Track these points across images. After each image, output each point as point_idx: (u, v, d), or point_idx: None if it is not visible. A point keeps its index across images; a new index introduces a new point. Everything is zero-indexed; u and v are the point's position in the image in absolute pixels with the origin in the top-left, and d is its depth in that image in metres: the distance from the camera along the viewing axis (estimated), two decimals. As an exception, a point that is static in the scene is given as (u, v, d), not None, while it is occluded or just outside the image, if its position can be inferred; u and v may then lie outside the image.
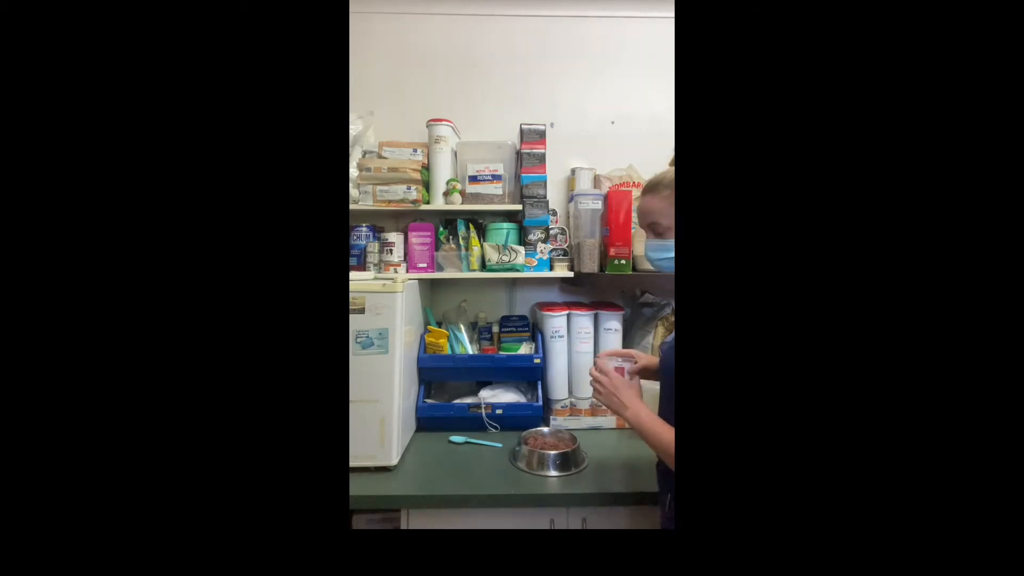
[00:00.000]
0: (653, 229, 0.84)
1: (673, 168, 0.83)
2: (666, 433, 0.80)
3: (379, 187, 1.35)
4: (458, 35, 1.57)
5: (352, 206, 1.35)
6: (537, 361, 1.32)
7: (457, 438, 1.24)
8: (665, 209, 0.81)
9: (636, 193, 1.45)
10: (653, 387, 0.97)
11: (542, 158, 1.39)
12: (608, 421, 1.34)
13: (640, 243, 1.37)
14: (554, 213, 1.44)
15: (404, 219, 1.50)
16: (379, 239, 1.40)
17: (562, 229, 1.40)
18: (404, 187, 1.35)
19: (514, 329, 1.46)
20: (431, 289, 1.53)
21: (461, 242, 1.40)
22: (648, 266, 1.34)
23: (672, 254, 0.82)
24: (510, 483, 1.03)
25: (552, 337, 1.35)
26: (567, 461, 1.10)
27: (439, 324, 1.44)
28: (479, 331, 1.45)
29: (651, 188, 0.84)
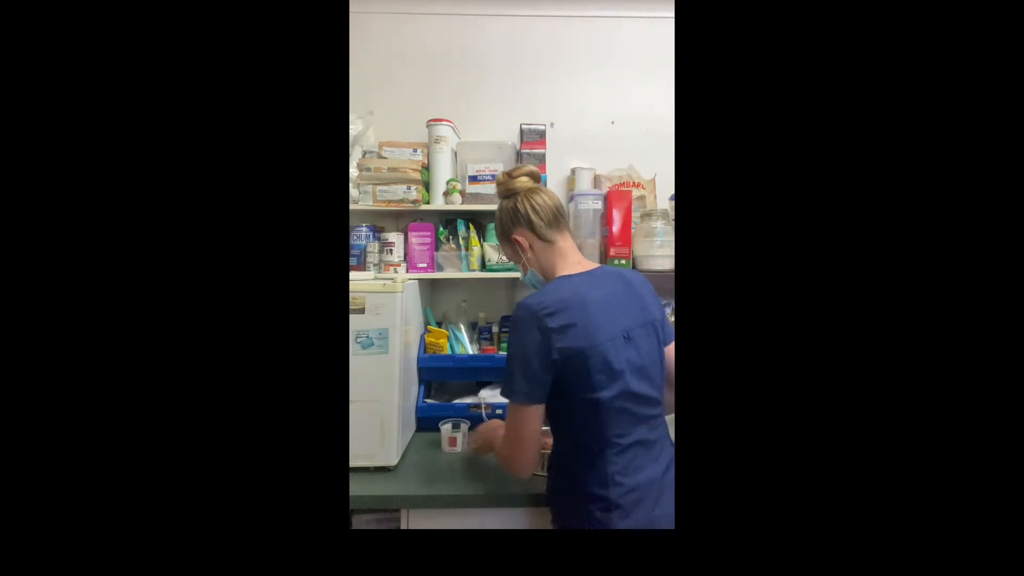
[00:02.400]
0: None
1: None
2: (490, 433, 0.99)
3: (379, 187, 1.35)
4: (458, 35, 1.57)
5: (352, 206, 1.35)
6: (537, 361, 1.31)
7: (457, 438, 1.24)
8: (500, 245, 0.98)
9: (637, 193, 1.46)
10: None
11: (542, 158, 1.39)
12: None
13: (640, 243, 1.37)
14: (554, 213, 1.44)
15: (404, 219, 1.50)
16: (379, 239, 1.39)
17: (562, 229, 1.40)
18: (404, 187, 1.35)
19: (514, 329, 1.45)
20: (431, 289, 1.53)
21: (461, 242, 1.40)
22: (648, 266, 1.35)
23: (519, 275, 0.97)
24: (510, 483, 1.03)
25: (552, 337, 1.35)
26: None
27: (439, 324, 1.44)
28: (479, 331, 1.45)
29: None
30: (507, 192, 0.92)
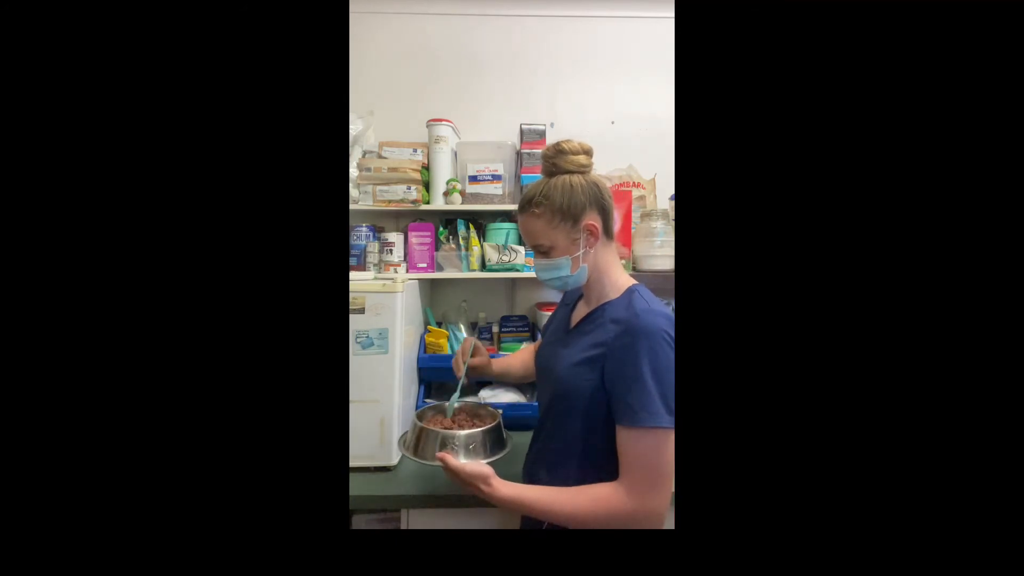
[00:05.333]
0: (538, 249, 0.77)
1: (545, 181, 0.77)
2: (562, 501, 0.69)
3: (379, 187, 1.35)
4: (458, 35, 1.57)
5: (352, 206, 1.35)
6: (537, 361, 1.31)
7: (457, 438, 1.23)
8: (543, 228, 0.75)
9: (637, 193, 1.45)
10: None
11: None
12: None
13: (640, 243, 1.37)
14: (554, 213, 1.44)
15: (404, 219, 1.50)
16: (379, 239, 1.39)
17: (562, 229, 1.40)
18: (404, 187, 1.35)
19: (514, 329, 1.46)
20: (431, 289, 1.53)
21: (461, 242, 1.40)
22: (648, 266, 1.35)
23: (563, 273, 0.76)
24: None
25: (552, 337, 1.34)
26: (467, 440, 0.82)
27: (439, 324, 1.44)
28: (479, 331, 1.45)
29: (523, 208, 0.77)
30: (572, 166, 0.76)
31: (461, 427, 0.89)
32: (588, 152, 0.78)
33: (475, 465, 0.73)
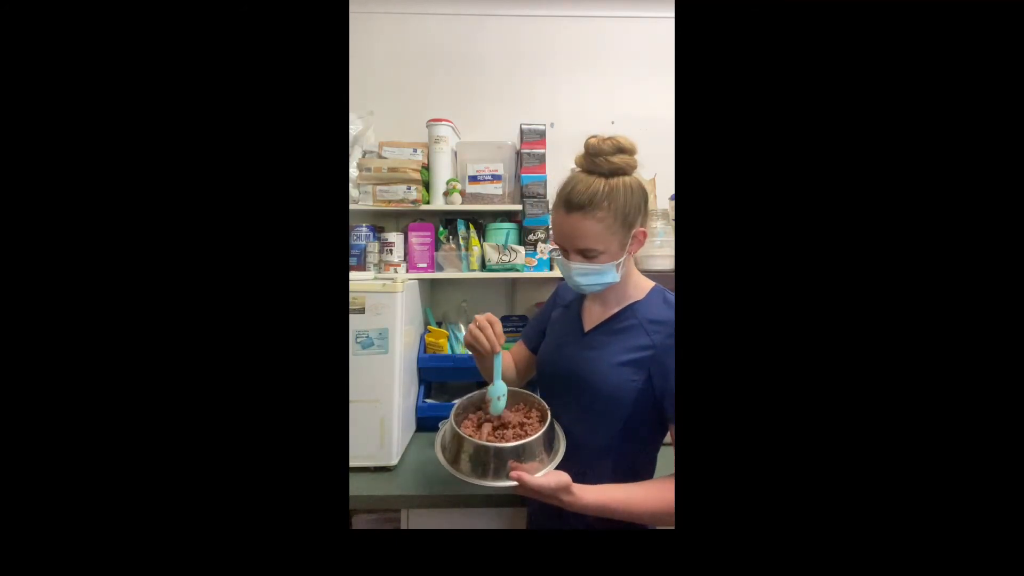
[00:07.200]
0: (584, 253, 0.71)
1: (604, 182, 0.70)
2: (648, 495, 0.68)
3: (379, 187, 1.35)
4: (458, 35, 1.57)
5: (352, 206, 1.35)
6: (537, 361, 1.31)
7: (457, 438, 1.23)
8: (600, 233, 0.69)
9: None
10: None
11: (542, 158, 1.39)
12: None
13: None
14: (554, 213, 1.44)
15: (404, 219, 1.50)
16: (379, 239, 1.39)
17: (562, 229, 1.40)
18: (404, 187, 1.35)
19: (514, 329, 1.45)
20: (431, 289, 1.53)
21: (461, 242, 1.40)
22: (648, 266, 1.35)
23: (608, 280, 0.72)
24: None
25: (552, 337, 1.34)
26: (531, 450, 0.71)
27: (439, 324, 1.44)
28: (479, 331, 1.45)
29: (577, 208, 0.69)
30: (628, 167, 0.70)
31: (504, 424, 0.78)
32: (636, 150, 0.73)
33: (553, 477, 0.67)
